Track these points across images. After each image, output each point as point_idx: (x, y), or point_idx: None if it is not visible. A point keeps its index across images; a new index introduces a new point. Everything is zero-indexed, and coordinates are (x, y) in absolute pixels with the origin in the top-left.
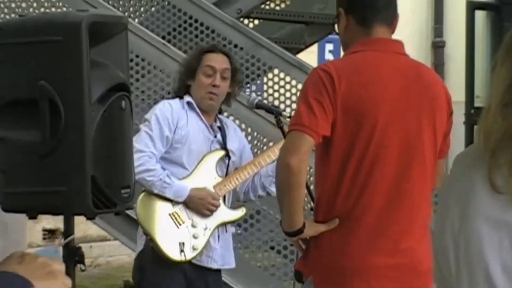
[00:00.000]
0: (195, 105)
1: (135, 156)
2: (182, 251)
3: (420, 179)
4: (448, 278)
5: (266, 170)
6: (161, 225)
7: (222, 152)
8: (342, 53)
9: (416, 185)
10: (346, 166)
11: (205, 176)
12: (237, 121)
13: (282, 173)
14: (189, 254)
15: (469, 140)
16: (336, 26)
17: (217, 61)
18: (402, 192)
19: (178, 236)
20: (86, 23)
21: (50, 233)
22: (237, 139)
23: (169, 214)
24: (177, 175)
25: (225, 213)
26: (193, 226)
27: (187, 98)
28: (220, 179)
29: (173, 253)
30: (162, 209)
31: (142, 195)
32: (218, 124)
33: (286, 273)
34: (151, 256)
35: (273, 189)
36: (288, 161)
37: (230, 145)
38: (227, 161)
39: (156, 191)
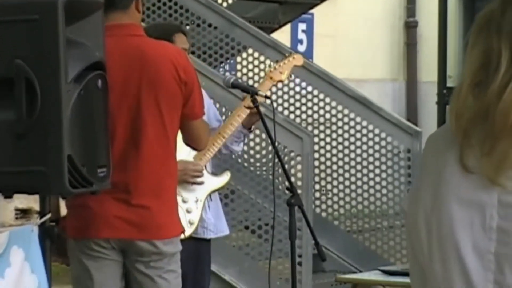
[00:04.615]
0: None
1: None
2: (183, 231)
3: (145, 144)
4: (420, 257)
5: (232, 131)
6: None
7: None
8: (315, 32)
9: (143, 151)
10: None
11: (180, 151)
12: (212, 100)
13: None
14: (187, 230)
15: (442, 120)
16: None
17: (185, 42)
18: (129, 159)
19: None
20: (62, 2)
21: (22, 213)
22: None
23: None
24: None
25: (211, 181)
26: (184, 201)
27: None
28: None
29: None
30: None
31: None
32: None
33: (261, 253)
34: None
35: (235, 147)
36: None
37: None
38: None
39: None
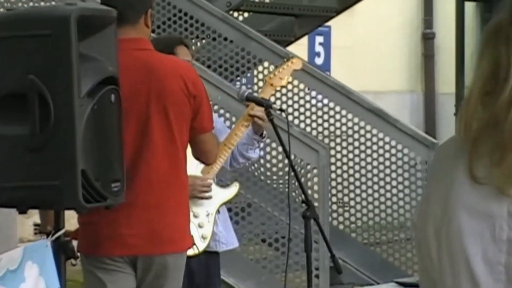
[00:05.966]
0: None
1: None
2: (193, 244)
3: (153, 157)
4: (430, 269)
5: (241, 139)
6: None
7: None
8: (332, 45)
9: (151, 163)
10: None
11: (188, 165)
12: (227, 114)
13: None
14: (201, 245)
15: None
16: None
17: (188, 54)
18: (137, 171)
19: None
20: (75, 17)
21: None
22: None
23: None
24: None
25: (220, 194)
26: (195, 216)
27: None
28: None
29: None
30: None
31: None
32: None
33: (278, 266)
34: None
35: (251, 154)
36: None
37: None
38: None
39: None
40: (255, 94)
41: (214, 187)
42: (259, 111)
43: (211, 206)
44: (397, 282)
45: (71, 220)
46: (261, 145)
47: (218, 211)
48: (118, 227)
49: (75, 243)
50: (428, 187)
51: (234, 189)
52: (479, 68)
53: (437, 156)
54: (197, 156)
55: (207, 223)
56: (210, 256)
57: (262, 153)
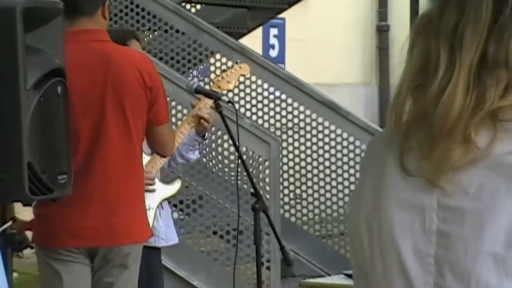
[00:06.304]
0: None
1: None
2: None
3: (109, 150)
4: (362, 261)
5: (182, 139)
6: None
7: None
8: (287, 37)
9: (108, 157)
10: None
11: None
12: (179, 106)
13: None
14: None
15: None
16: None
17: (138, 47)
18: (93, 166)
19: None
20: (21, 8)
21: None
22: None
23: None
24: None
25: (163, 189)
26: None
27: None
28: (148, 157)
29: None
30: None
31: None
32: None
33: (229, 258)
34: None
35: (190, 156)
36: None
37: None
38: None
39: None
40: (207, 86)
41: (157, 182)
42: (206, 113)
43: (153, 200)
44: (345, 274)
45: (24, 212)
46: (201, 146)
47: (161, 207)
48: (74, 219)
49: (30, 234)
50: (360, 178)
51: (177, 185)
52: (409, 60)
53: (370, 148)
54: (153, 149)
55: (148, 217)
56: (150, 251)
57: (213, 145)
